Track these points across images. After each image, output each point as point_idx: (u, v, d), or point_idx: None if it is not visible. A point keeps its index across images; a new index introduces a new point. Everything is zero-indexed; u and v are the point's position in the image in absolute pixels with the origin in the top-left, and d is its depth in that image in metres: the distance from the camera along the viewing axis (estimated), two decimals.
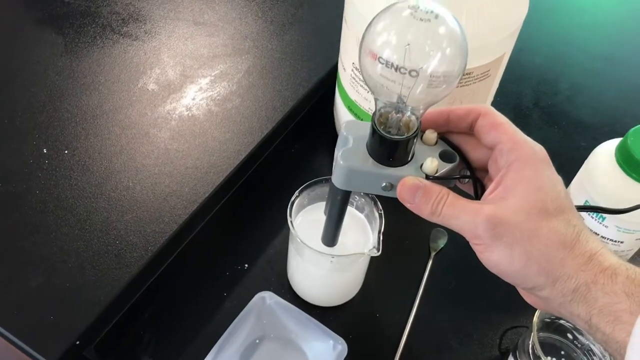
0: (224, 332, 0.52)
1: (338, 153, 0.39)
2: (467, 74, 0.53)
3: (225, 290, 0.58)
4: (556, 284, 0.34)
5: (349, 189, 0.41)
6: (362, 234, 0.55)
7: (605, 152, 0.54)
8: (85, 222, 0.55)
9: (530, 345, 0.49)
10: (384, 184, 0.38)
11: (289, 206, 0.52)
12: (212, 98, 0.66)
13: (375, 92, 0.38)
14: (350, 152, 0.39)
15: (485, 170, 0.39)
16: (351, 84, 0.60)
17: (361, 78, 0.57)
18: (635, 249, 0.58)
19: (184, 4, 0.76)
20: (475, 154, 0.40)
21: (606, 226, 0.54)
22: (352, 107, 0.62)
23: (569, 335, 0.54)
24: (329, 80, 0.68)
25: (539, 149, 0.36)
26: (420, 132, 0.38)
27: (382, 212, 0.53)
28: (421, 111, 0.38)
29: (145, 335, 0.55)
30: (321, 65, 0.69)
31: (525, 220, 0.34)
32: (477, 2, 0.49)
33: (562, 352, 0.54)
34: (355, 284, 0.58)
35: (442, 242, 0.63)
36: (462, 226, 0.36)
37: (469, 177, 0.40)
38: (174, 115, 0.64)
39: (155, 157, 0.60)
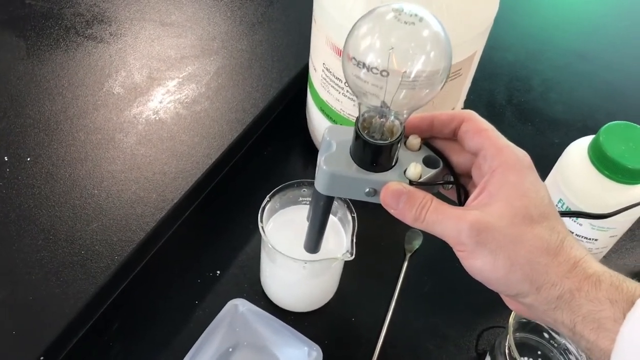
0: (195, 341, 0.50)
1: (321, 158, 0.38)
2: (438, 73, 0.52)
3: (196, 298, 0.57)
4: (540, 291, 0.34)
5: (332, 195, 0.40)
6: (335, 238, 0.54)
7: (577, 150, 0.54)
8: (49, 232, 0.53)
9: (506, 346, 0.48)
10: (368, 189, 0.38)
11: (259, 211, 0.51)
12: (180, 101, 0.64)
13: (358, 96, 0.38)
14: (333, 157, 0.38)
15: (468, 176, 0.39)
16: (322, 85, 0.59)
17: (332, 79, 0.56)
18: (609, 247, 0.57)
19: (151, 4, 0.74)
20: (458, 160, 0.39)
21: (580, 224, 0.54)
22: (324, 108, 0.60)
23: (545, 335, 0.54)
24: (300, 81, 0.67)
25: (522, 155, 0.36)
26: (403, 137, 0.38)
27: (355, 215, 0.52)
28: (405, 116, 0.38)
29: (114, 347, 0.53)
30: (292, 66, 0.68)
31: (508, 226, 0.34)
32: (444, 1, 0.48)
33: (539, 352, 0.54)
34: (330, 289, 0.57)
35: (417, 244, 0.62)
36: (445, 232, 0.35)
37: (453, 182, 0.39)
38: (140, 120, 0.62)
39: (122, 163, 0.59)
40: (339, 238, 0.53)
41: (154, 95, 0.64)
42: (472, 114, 0.39)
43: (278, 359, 0.53)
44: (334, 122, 0.60)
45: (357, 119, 0.38)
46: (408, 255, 0.61)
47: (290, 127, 0.70)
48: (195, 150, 0.60)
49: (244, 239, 0.61)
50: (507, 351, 0.48)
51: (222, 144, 0.60)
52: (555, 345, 0.53)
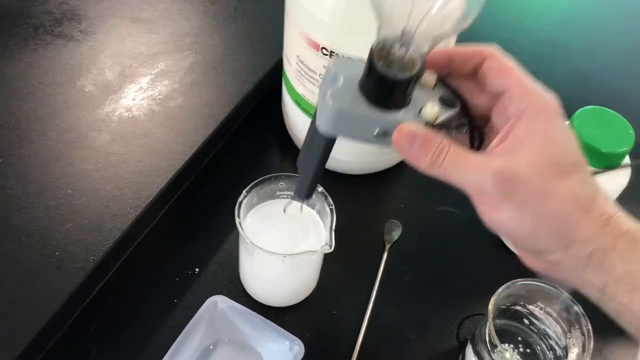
0: (175, 340, 0.50)
1: (326, 92, 0.34)
2: None
3: (175, 296, 0.56)
4: (569, 248, 0.31)
5: (335, 135, 0.35)
6: (314, 230, 0.53)
7: None
8: (22, 234, 0.52)
9: (486, 334, 0.48)
10: (378, 130, 0.34)
11: (236, 207, 0.50)
12: (153, 97, 0.63)
13: (380, 16, 0.33)
14: (341, 92, 0.34)
15: (485, 120, 0.36)
16: (297, 78, 0.58)
17: (306, 71, 0.56)
18: None
19: (121, 1, 0.73)
20: (476, 101, 0.36)
21: None
22: (299, 101, 0.60)
23: (526, 321, 0.54)
24: (275, 75, 0.66)
25: (551, 99, 0.33)
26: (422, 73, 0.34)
27: (334, 207, 0.51)
28: (427, 48, 0.34)
29: (92, 349, 0.52)
30: (266, 60, 0.67)
31: (538, 177, 0.31)
32: None
33: (519, 338, 0.54)
34: (310, 282, 0.56)
35: (396, 234, 0.62)
36: (466, 181, 0.32)
37: (471, 125, 0.35)
38: (113, 117, 0.61)
39: (95, 162, 0.58)
40: (318, 230, 0.53)
41: (126, 92, 0.63)
42: (496, 50, 0.35)
43: (259, 354, 0.52)
44: (310, 115, 0.60)
45: (372, 48, 0.33)
46: (388, 246, 0.61)
47: (267, 122, 0.69)
48: (170, 146, 0.59)
49: (223, 235, 0.60)
50: (487, 338, 0.48)
51: (197, 139, 0.60)
52: (535, 330, 0.53)
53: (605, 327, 0.58)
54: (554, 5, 0.93)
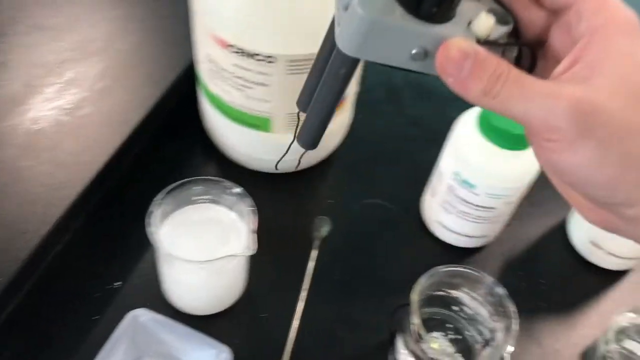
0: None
1: (354, 0, 0.26)
2: None
3: (95, 313, 0.53)
4: None
5: (362, 56, 0.28)
6: (235, 234, 0.52)
7: (467, 121, 0.55)
8: None
9: (412, 324, 0.48)
10: (416, 49, 0.27)
11: (147, 217, 0.48)
12: (61, 107, 0.60)
13: None
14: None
15: (537, 41, 0.30)
16: (209, 77, 0.57)
17: (217, 70, 0.54)
18: (508, 212, 0.58)
19: (24, 8, 0.69)
20: (529, 17, 0.30)
21: (477, 194, 0.55)
22: (214, 101, 0.58)
23: (455, 308, 0.54)
24: (190, 77, 0.65)
25: (631, 13, 0.27)
26: None
27: (255, 208, 0.50)
28: None
29: None
30: (179, 61, 0.65)
31: (624, 109, 0.25)
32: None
33: (449, 325, 0.54)
34: (236, 287, 0.55)
35: (325, 231, 0.61)
36: (530, 114, 0.26)
37: (519, 46, 0.30)
38: (19, 130, 0.58)
39: (1, 178, 0.54)
40: (239, 234, 0.52)
41: (33, 103, 0.60)
42: None
43: None
44: (227, 115, 0.58)
45: None
46: (317, 242, 0.60)
47: (186, 126, 0.67)
48: (80, 158, 0.56)
49: (144, 246, 0.58)
50: (413, 328, 0.48)
51: (109, 149, 0.57)
52: (464, 316, 0.54)
53: (535, 308, 0.59)
54: None
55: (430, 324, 0.54)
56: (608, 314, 0.54)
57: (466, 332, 0.54)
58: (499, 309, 0.49)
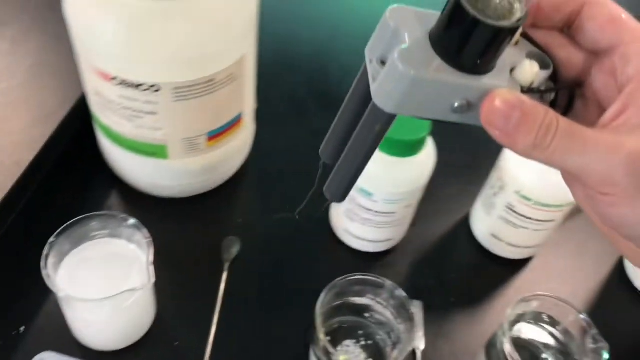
0: None
1: (394, 54, 0.25)
2: (209, 80, 0.51)
3: None
4: None
5: (401, 113, 0.27)
6: (137, 265, 0.51)
7: None
8: None
9: (319, 338, 0.49)
10: (459, 101, 0.26)
11: (42, 259, 0.47)
12: None
13: None
14: (410, 53, 0.25)
15: (575, 82, 0.30)
16: (99, 110, 0.56)
17: (105, 103, 0.54)
18: (409, 215, 0.60)
19: None
20: (568, 59, 0.29)
21: (375, 201, 0.56)
22: (108, 133, 0.58)
23: (365, 314, 0.55)
24: (83, 110, 0.63)
25: None
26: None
27: (150, 238, 0.50)
28: None
29: None
30: (70, 96, 0.64)
31: None
32: (197, 9, 0.48)
33: (360, 332, 0.55)
34: (145, 318, 0.54)
35: (234, 251, 0.62)
36: (586, 168, 0.25)
37: (557, 89, 0.29)
38: None
39: None
40: (141, 265, 0.51)
41: None
42: None
43: None
44: (122, 146, 0.58)
45: None
46: (227, 264, 0.61)
47: (86, 160, 0.66)
48: None
49: (46, 287, 0.57)
50: (320, 343, 0.49)
51: (2, 188, 0.55)
52: (373, 321, 0.55)
53: (444, 304, 0.61)
54: None
55: (342, 333, 0.55)
56: (512, 303, 0.57)
57: (377, 337, 0.55)
58: (401, 311, 0.51)
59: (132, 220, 0.50)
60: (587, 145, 0.25)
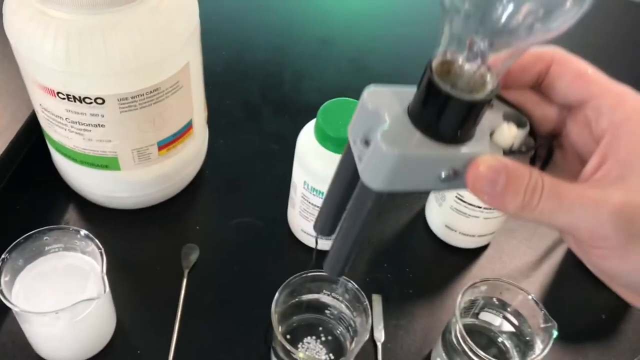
0: None
1: (377, 135, 0.26)
2: (154, 90, 0.52)
3: None
4: None
5: (389, 189, 0.27)
6: (93, 277, 0.52)
7: (308, 133, 0.57)
8: None
9: (277, 338, 0.50)
10: (445, 172, 0.27)
11: None
12: None
13: (443, 17, 0.26)
14: (392, 132, 0.26)
15: (551, 136, 0.30)
16: (48, 126, 0.56)
17: (53, 118, 0.54)
18: None
19: None
20: (541, 115, 0.30)
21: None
22: (59, 148, 0.58)
23: (325, 310, 0.56)
24: (35, 126, 0.64)
25: None
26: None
27: (102, 249, 0.50)
28: (507, 62, 0.27)
29: None
30: (21, 113, 0.64)
31: None
32: (134, 21, 0.48)
33: (320, 328, 0.57)
34: (105, 328, 0.55)
35: (194, 258, 0.62)
36: (576, 223, 0.26)
37: (535, 144, 0.29)
38: None
39: None
40: (95, 275, 0.52)
41: None
42: (563, 52, 0.29)
43: None
44: (74, 160, 0.58)
45: (430, 62, 0.26)
46: (186, 271, 0.61)
47: (41, 175, 0.66)
48: None
49: (4, 305, 0.57)
50: (279, 342, 0.50)
51: None
52: (332, 317, 0.56)
53: (403, 295, 0.63)
54: (321, 3, 0.98)
55: (302, 330, 0.56)
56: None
57: (336, 332, 0.56)
58: (355, 304, 0.52)
59: (83, 232, 0.50)
60: (573, 203, 0.26)
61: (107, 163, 0.57)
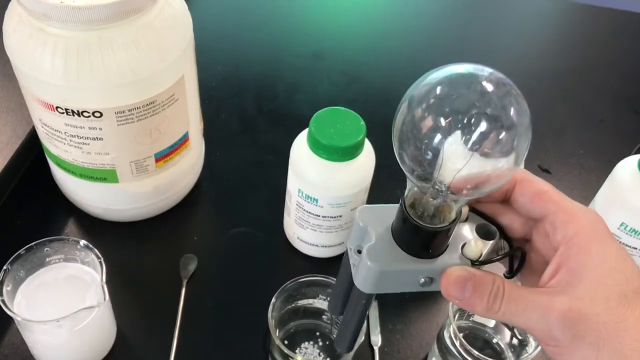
0: None
1: (363, 251, 0.33)
2: (151, 102, 0.54)
3: None
4: None
5: (376, 292, 0.34)
6: (94, 287, 0.53)
7: (301, 141, 0.59)
8: None
9: (275, 343, 0.51)
10: (423, 279, 0.33)
11: None
12: None
13: (408, 169, 0.31)
14: (376, 249, 0.33)
15: (523, 241, 0.35)
16: (48, 140, 0.58)
17: (52, 132, 0.56)
18: None
19: None
20: (512, 225, 0.35)
21: (321, 206, 0.59)
22: (58, 162, 0.59)
23: (323, 316, 0.57)
24: (35, 141, 0.65)
25: (596, 217, 0.32)
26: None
27: (101, 258, 0.51)
28: (466, 199, 0.32)
29: None
30: (21, 129, 0.66)
31: (606, 312, 0.30)
32: (130, 36, 0.50)
33: (318, 334, 0.57)
34: (106, 337, 0.56)
35: (192, 268, 0.63)
36: (530, 326, 0.31)
37: (510, 246, 0.35)
38: None
39: None
40: (95, 285, 0.53)
41: None
42: (525, 173, 0.34)
43: None
44: (73, 173, 0.59)
45: (404, 197, 0.32)
46: (185, 281, 0.62)
47: (41, 189, 0.67)
48: None
49: (7, 316, 0.58)
50: (276, 347, 0.50)
51: None
52: (329, 322, 0.57)
53: (401, 299, 0.63)
54: (313, 18, 1.00)
55: (300, 336, 0.57)
56: None
57: (333, 337, 0.57)
58: None
59: (83, 242, 0.51)
60: (527, 308, 0.31)
61: (105, 176, 0.58)
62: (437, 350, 0.55)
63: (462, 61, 0.31)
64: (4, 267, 0.50)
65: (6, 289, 0.50)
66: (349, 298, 0.37)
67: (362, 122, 0.56)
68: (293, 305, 0.55)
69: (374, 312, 0.61)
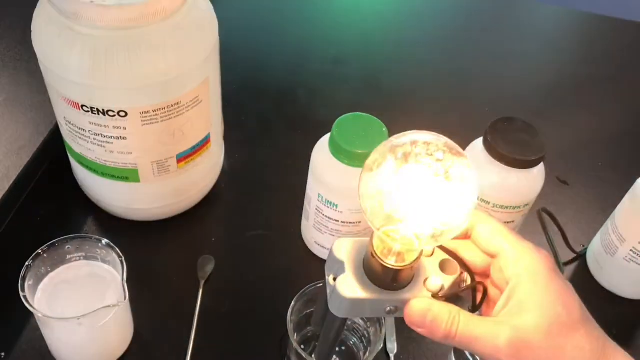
0: None
1: (337, 281, 0.37)
2: (175, 103, 0.54)
3: None
4: None
5: (348, 317, 0.39)
6: (113, 285, 0.53)
7: (322, 146, 0.59)
8: None
9: (293, 346, 0.51)
10: (389, 307, 0.37)
11: (19, 281, 0.49)
12: None
13: (371, 219, 0.36)
14: (348, 280, 0.37)
15: (485, 274, 0.39)
16: (71, 138, 0.58)
17: (76, 130, 0.56)
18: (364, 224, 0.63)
19: None
20: (473, 259, 0.39)
21: (341, 212, 0.58)
22: (80, 160, 0.60)
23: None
24: (57, 138, 0.66)
25: (544, 257, 0.36)
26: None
27: (123, 258, 0.51)
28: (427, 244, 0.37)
29: None
30: (43, 127, 0.66)
31: (546, 339, 0.34)
32: (158, 37, 0.50)
33: None
34: (123, 336, 0.56)
35: (209, 269, 0.63)
36: (481, 351, 0.35)
37: (476, 286, 0.38)
38: None
39: None
40: (117, 285, 0.53)
41: None
42: (484, 216, 0.39)
43: None
44: (95, 172, 0.60)
45: (372, 238, 0.36)
46: (202, 282, 0.62)
47: (62, 187, 0.68)
48: None
49: (26, 312, 0.58)
50: (294, 349, 0.51)
51: None
52: (346, 327, 0.57)
53: None
54: (332, 25, 1.01)
55: (317, 341, 0.57)
56: None
57: (350, 342, 0.57)
58: None
59: (105, 241, 0.52)
60: (479, 336, 0.35)
61: (127, 175, 0.59)
62: (454, 359, 0.55)
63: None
64: (26, 263, 0.50)
65: (28, 283, 0.50)
66: (326, 320, 0.41)
67: (385, 129, 0.56)
68: (311, 310, 0.55)
69: (390, 320, 0.61)
